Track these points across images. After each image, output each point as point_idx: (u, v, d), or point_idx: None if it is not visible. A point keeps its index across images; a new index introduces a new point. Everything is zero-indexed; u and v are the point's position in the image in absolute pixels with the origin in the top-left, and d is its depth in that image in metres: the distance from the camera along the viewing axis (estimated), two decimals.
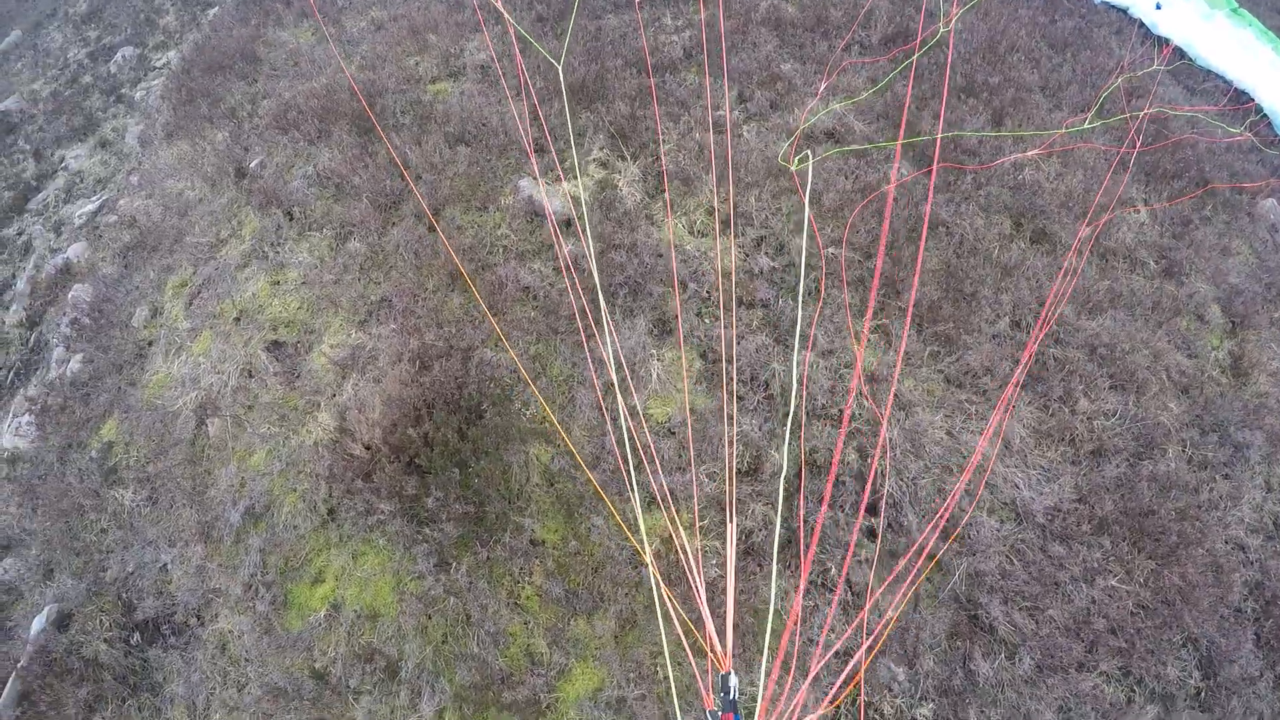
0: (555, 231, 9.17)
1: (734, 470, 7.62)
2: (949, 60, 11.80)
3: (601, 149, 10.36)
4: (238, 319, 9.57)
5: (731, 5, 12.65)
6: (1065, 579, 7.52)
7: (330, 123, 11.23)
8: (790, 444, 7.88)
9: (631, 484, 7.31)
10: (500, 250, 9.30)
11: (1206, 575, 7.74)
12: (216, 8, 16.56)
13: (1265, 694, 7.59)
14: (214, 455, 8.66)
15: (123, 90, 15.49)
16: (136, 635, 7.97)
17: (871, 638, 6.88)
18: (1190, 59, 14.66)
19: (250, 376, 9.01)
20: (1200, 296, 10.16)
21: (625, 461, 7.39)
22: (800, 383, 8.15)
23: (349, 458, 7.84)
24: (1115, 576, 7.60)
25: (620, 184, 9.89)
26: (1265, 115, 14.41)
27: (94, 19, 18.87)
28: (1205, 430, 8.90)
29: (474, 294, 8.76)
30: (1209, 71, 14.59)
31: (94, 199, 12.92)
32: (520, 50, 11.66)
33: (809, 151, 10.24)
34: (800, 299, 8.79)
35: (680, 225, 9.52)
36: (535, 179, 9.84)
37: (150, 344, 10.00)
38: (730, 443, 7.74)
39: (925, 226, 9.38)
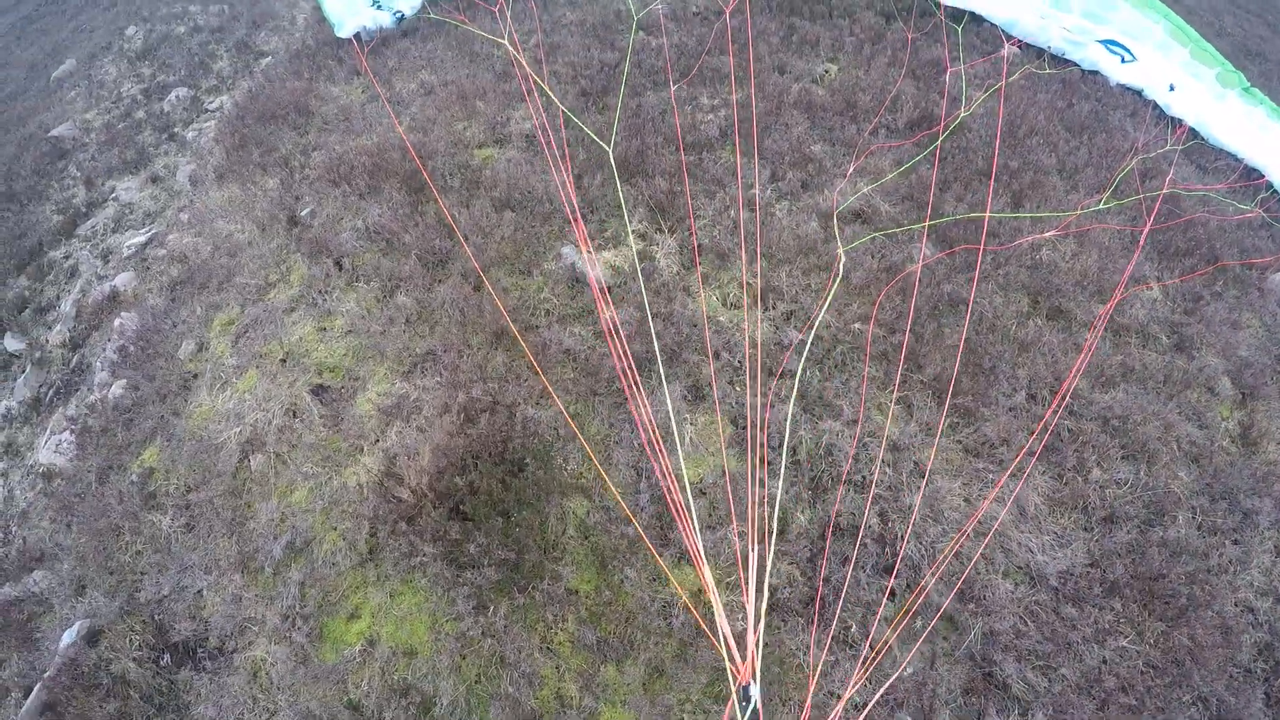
0: (598, 297, 9.48)
1: (762, 523, 7.89)
2: (999, 133, 12.20)
3: (640, 221, 10.71)
4: (284, 360, 9.81)
5: (765, 87, 13.08)
6: (1077, 639, 7.80)
7: (381, 179, 11.55)
8: (815, 508, 8.20)
9: (688, 513, 7.60)
10: (543, 313, 9.61)
11: (1215, 636, 8.00)
12: (270, 58, 16.97)
13: None
14: (255, 489, 8.86)
15: (175, 129, 15.78)
16: (167, 656, 8.12)
17: (884, 689, 7.12)
18: (1203, 139, 15.04)
19: (295, 416, 9.23)
20: (1211, 369, 10.51)
21: (680, 509, 7.67)
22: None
23: (394, 500, 8.11)
24: (1126, 637, 7.89)
25: (658, 255, 10.24)
26: (1276, 192, 14.80)
27: (148, 56, 19.22)
28: (1215, 498, 9.20)
29: (524, 350, 9.06)
30: (1221, 150, 15.00)
31: (143, 231, 13.15)
32: (565, 124, 12.03)
33: (841, 235, 10.63)
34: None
35: (714, 298, 9.84)
36: (578, 247, 10.17)
37: (195, 377, 10.20)
38: (756, 502, 8.02)
39: (967, 309, 9.72)
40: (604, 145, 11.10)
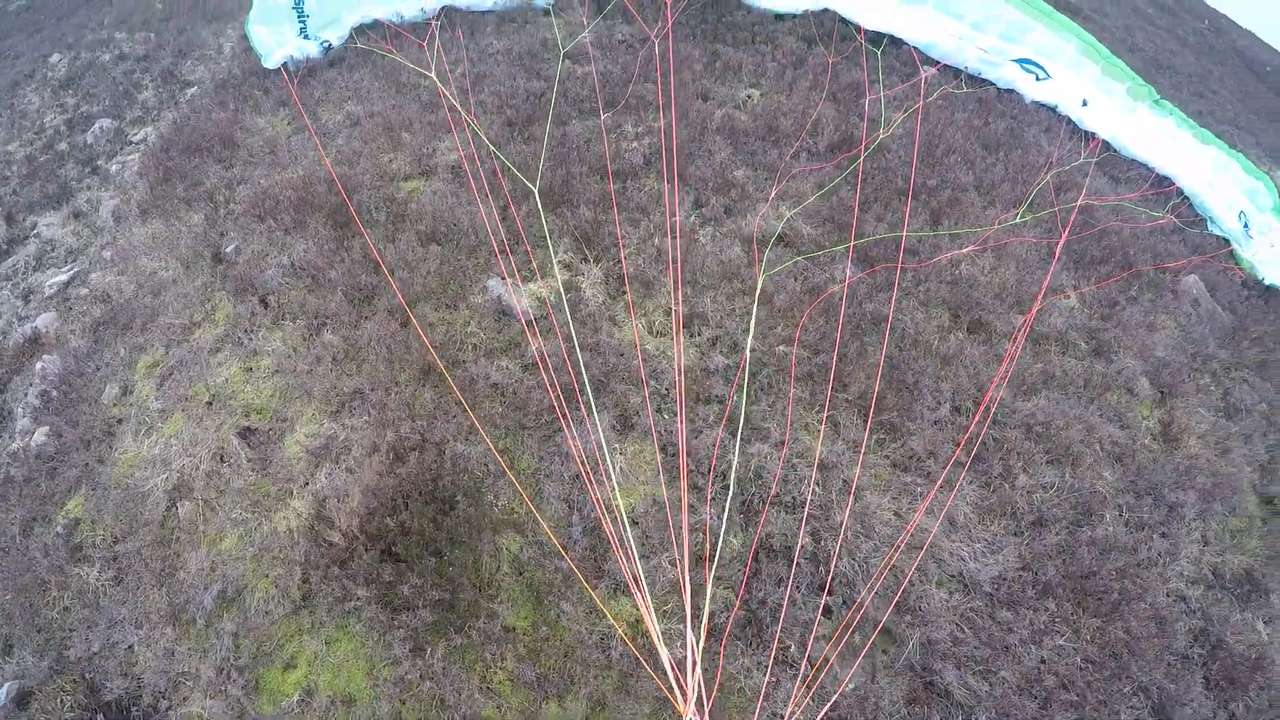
0: (526, 328, 9.42)
1: (694, 547, 7.85)
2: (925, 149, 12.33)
3: (566, 251, 10.62)
4: (210, 403, 9.55)
5: (689, 114, 13.09)
6: (1014, 642, 7.92)
7: (306, 214, 11.33)
8: (748, 530, 8.20)
9: (627, 542, 7.52)
10: (470, 347, 9.47)
11: (1149, 627, 8.23)
12: (195, 88, 16.57)
13: None
14: (184, 538, 8.60)
15: (98, 162, 15.34)
16: (100, 717, 7.80)
17: (827, 706, 7.12)
18: (1116, 151, 15.53)
19: (222, 461, 8.98)
20: (1129, 371, 10.83)
21: (614, 540, 7.59)
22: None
23: (326, 544, 7.90)
24: (1062, 636, 8.04)
25: (584, 285, 10.16)
26: (1186, 197, 15.31)
27: (72, 85, 18.74)
28: (1140, 494, 9.51)
29: (451, 388, 8.90)
30: (1134, 161, 15.52)
31: (65, 270, 12.73)
32: (491, 155, 11.92)
33: (764, 259, 10.66)
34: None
35: (640, 325, 9.79)
36: (504, 279, 10.06)
37: (120, 422, 9.90)
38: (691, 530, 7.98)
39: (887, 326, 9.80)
40: (529, 183, 10.99)
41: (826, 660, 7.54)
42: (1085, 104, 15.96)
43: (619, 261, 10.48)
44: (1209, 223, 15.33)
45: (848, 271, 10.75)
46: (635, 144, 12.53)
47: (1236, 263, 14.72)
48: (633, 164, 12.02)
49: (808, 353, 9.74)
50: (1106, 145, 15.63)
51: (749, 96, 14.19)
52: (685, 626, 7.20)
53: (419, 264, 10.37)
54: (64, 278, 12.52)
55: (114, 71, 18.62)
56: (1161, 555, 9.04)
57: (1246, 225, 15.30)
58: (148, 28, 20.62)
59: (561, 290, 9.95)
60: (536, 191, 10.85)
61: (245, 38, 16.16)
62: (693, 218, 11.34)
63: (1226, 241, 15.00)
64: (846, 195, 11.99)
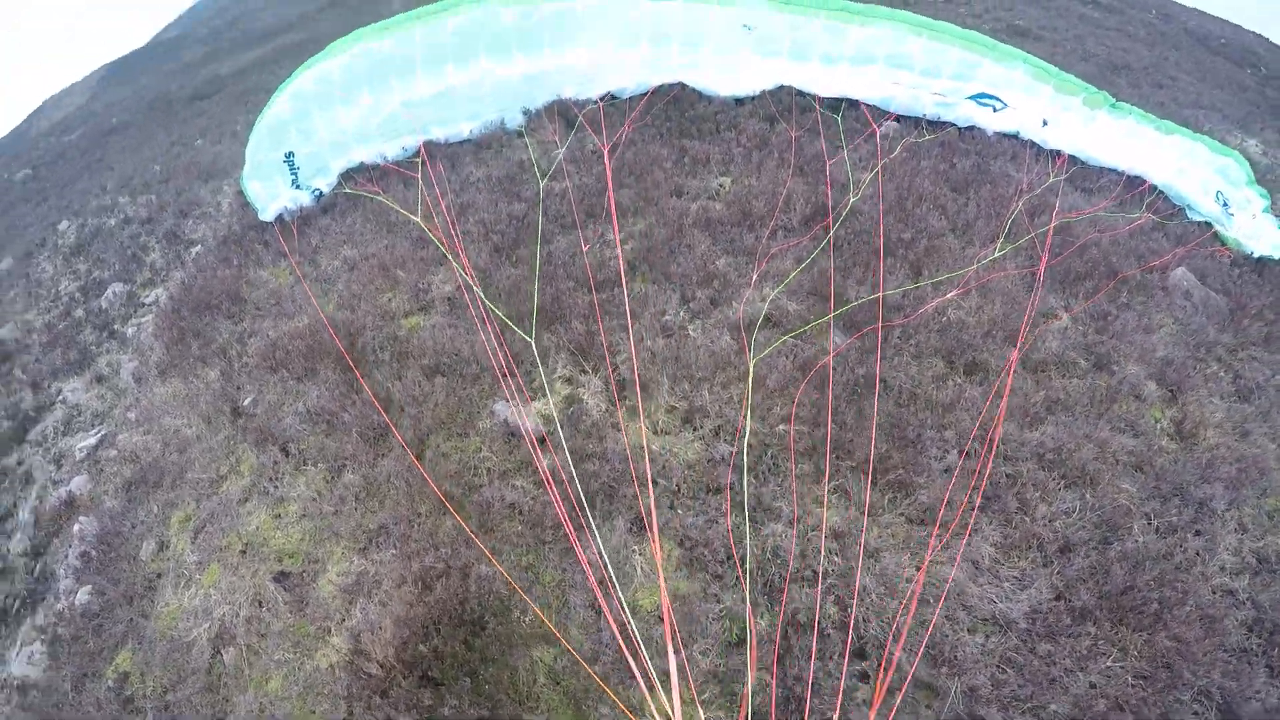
0: (534, 448, 9.69)
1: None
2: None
3: (565, 367, 10.96)
4: (244, 551, 9.85)
5: (666, 213, 13.53)
6: (1059, 673, 7.89)
7: (316, 361, 11.73)
8: (773, 610, 8.29)
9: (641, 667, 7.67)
10: (484, 471, 9.75)
11: (1196, 629, 8.16)
12: (199, 246, 17.14)
13: None
14: (231, 683, 8.81)
15: (115, 326, 15.79)
16: None
17: None
18: (1083, 162, 15.91)
19: (261, 606, 9.25)
20: (1133, 378, 10.91)
21: (637, 642, 7.76)
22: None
23: (366, 677, 8.14)
24: (1108, 657, 8.01)
25: (585, 396, 10.48)
26: (1161, 191, 15.59)
27: (82, 252, 19.35)
28: (1165, 498, 9.48)
29: (465, 517, 9.19)
30: (1103, 168, 15.88)
31: (93, 433, 13.09)
32: (482, 282, 12.32)
33: (753, 342, 10.94)
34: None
35: (645, 427, 10.05)
36: (509, 402, 10.38)
37: (159, 576, 10.18)
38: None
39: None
40: (526, 336, 11.29)
41: None
42: (1045, 124, 16.34)
43: (616, 369, 10.80)
44: (1188, 211, 15.61)
45: (831, 341, 10.99)
46: (617, 252, 12.88)
47: (1223, 243, 14.92)
48: (616, 271, 12.33)
49: (807, 427, 9.94)
50: (1073, 160, 16.00)
51: (720, 185, 14.65)
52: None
53: (426, 397, 10.70)
54: (93, 441, 12.86)
55: (121, 236, 19.24)
56: (1199, 554, 9.01)
57: (1226, 204, 15.49)
58: (148, 190, 21.35)
59: (551, 411, 10.26)
60: (533, 342, 11.13)
61: (241, 194, 16.75)
62: (681, 313, 11.67)
63: (1209, 225, 15.19)
64: (826, 266, 12.28)
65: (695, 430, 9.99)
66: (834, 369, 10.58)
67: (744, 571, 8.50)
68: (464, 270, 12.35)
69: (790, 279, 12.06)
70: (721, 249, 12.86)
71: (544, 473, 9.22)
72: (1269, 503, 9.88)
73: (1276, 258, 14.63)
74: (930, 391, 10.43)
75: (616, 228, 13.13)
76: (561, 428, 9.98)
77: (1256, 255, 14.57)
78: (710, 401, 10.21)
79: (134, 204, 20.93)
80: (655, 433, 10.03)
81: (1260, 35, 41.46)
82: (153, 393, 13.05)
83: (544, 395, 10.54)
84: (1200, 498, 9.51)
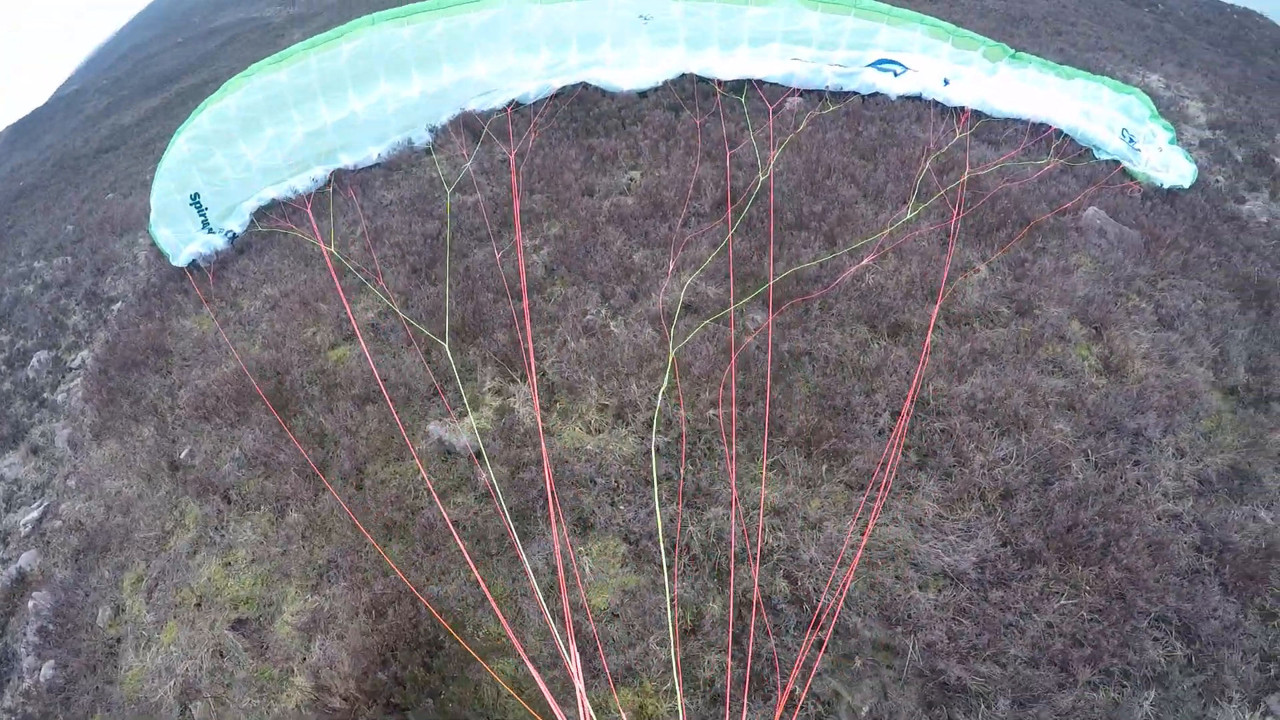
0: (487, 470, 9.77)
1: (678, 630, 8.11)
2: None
3: (493, 378, 10.98)
4: (199, 604, 9.79)
5: (578, 213, 13.57)
6: (1014, 618, 8.08)
7: (246, 405, 11.64)
8: (724, 594, 8.38)
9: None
10: (424, 493, 9.74)
11: (1144, 557, 8.38)
12: (120, 303, 16.87)
13: (1254, 630, 8.27)
14: None
15: (44, 394, 15.49)
16: None
17: None
18: (988, 115, 16.09)
19: (222, 656, 9.21)
20: (1056, 319, 11.14)
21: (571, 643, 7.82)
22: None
23: (330, 712, 8.13)
24: (1061, 596, 8.20)
25: (516, 406, 10.53)
26: (1067, 135, 15.84)
27: (4, 322, 18.91)
28: (1100, 433, 9.72)
29: (412, 539, 9.27)
30: (1008, 119, 16.07)
31: (35, 506, 12.86)
32: (403, 304, 12.35)
33: (675, 331, 11.06)
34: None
35: (578, 428, 10.14)
36: (441, 421, 10.44)
37: (119, 640, 10.09)
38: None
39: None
40: (441, 341, 11.36)
41: (836, 693, 7.72)
42: (946, 82, 16.54)
43: (543, 375, 10.88)
44: (1095, 151, 15.87)
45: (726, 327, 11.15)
46: (534, 257, 12.97)
47: (1132, 178, 15.22)
48: (536, 277, 12.43)
49: (738, 408, 10.03)
50: (977, 114, 16.19)
51: (630, 180, 14.73)
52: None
53: (359, 426, 10.69)
54: (36, 514, 12.67)
55: (40, 301, 18.84)
56: (1140, 483, 9.25)
57: (1131, 140, 15.75)
58: (63, 251, 20.90)
59: (485, 423, 10.32)
60: (447, 346, 11.18)
61: (153, 243, 16.51)
62: (601, 311, 11.75)
63: (1117, 162, 15.50)
64: (740, 246, 12.41)
65: (627, 425, 10.07)
66: (758, 349, 10.72)
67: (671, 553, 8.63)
68: (382, 296, 12.35)
69: (708, 263, 12.18)
70: (637, 243, 12.94)
71: (487, 483, 9.27)
72: (1204, 425, 10.20)
73: (1185, 186, 15.00)
74: (856, 358, 10.57)
75: (520, 236, 13.16)
76: (495, 440, 10.07)
77: (1166, 186, 14.92)
78: (639, 395, 10.30)
79: (50, 267, 20.50)
80: (589, 432, 10.10)
81: None
82: (90, 457, 12.89)
83: (476, 408, 10.58)
84: (1135, 428, 9.76)
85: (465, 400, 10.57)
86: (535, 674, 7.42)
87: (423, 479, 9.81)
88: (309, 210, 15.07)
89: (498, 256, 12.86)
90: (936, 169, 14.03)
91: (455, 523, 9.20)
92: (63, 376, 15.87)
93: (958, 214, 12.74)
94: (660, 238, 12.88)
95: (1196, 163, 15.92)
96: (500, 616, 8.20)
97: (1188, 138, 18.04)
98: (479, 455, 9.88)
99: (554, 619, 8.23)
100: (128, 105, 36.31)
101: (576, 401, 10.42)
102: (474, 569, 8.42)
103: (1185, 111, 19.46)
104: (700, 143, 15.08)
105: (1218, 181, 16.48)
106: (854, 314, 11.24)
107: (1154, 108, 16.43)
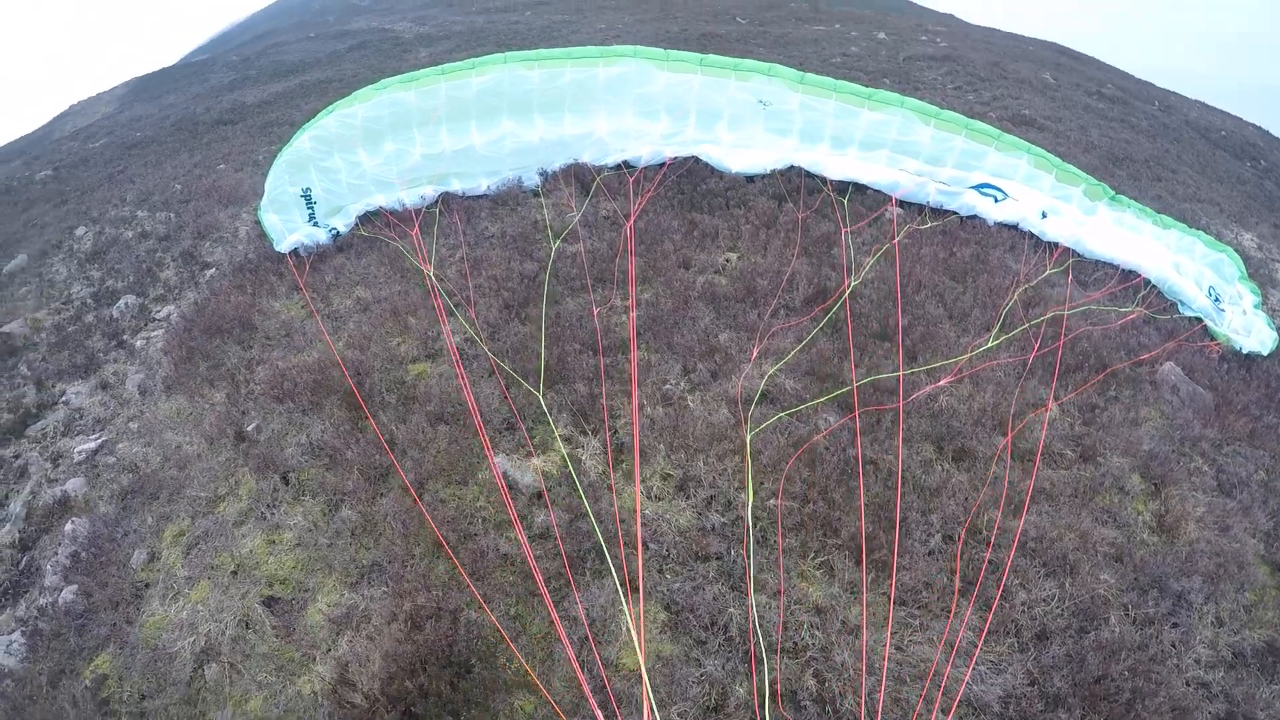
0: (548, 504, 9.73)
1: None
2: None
3: (565, 426, 10.99)
4: (235, 572, 9.74)
5: (673, 284, 13.66)
6: None
7: (322, 396, 11.71)
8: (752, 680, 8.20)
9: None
10: (480, 521, 9.72)
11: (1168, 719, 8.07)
12: (214, 269, 17.13)
13: None
14: (210, 698, 8.66)
15: (124, 336, 15.68)
16: None
17: None
18: (1080, 255, 15.93)
19: (248, 627, 9.14)
20: (1118, 470, 10.91)
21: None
22: None
23: (349, 706, 8.04)
24: None
25: (583, 458, 10.51)
26: (1154, 286, 15.59)
27: (97, 259, 19.27)
28: (1143, 590, 9.44)
29: (459, 563, 9.14)
30: (1099, 261, 15.90)
31: (93, 438, 12.94)
32: (491, 336, 12.43)
33: (750, 418, 10.98)
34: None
35: (639, 491, 10.06)
36: (510, 456, 10.45)
37: (148, 586, 10.04)
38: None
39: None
40: (534, 390, 11.39)
41: None
42: (1044, 215, 16.43)
43: (615, 432, 10.87)
44: (1180, 306, 15.66)
45: (829, 421, 11.05)
46: (624, 317, 13.02)
47: (1213, 338, 14.97)
48: (622, 337, 12.47)
49: (796, 503, 9.95)
50: (1070, 252, 16.05)
51: (727, 260, 14.81)
52: None
53: (429, 444, 10.69)
54: (92, 445, 12.73)
55: (137, 249, 19.19)
56: (1175, 646, 8.98)
57: (1217, 299, 15.59)
58: (168, 208, 21.34)
59: (552, 466, 10.34)
60: (541, 397, 11.22)
61: (258, 223, 16.81)
62: (681, 384, 11.75)
63: (1200, 319, 15.26)
64: (825, 346, 12.41)
65: (689, 499, 10.01)
66: (826, 449, 10.64)
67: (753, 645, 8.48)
68: (474, 335, 12.49)
69: (790, 357, 12.17)
70: (724, 323, 12.97)
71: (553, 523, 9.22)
72: (1247, 597, 9.94)
73: (1265, 353, 14.80)
74: (919, 475, 10.46)
75: (634, 298, 13.24)
76: (557, 486, 10.04)
77: (1245, 350, 14.70)
78: (705, 472, 10.24)
79: (152, 219, 20.91)
80: (650, 498, 10.05)
81: (1260, 127, 42.59)
82: (157, 407, 12.98)
83: (544, 452, 10.58)
84: (1178, 590, 9.52)
85: (534, 441, 10.60)
86: (560, 715, 7.33)
87: (481, 507, 9.79)
88: (416, 229, 15.24)
89: (594, 311, 12.94)
90: (1023, 300, 13.97)
91: (505, 557, 9.14)
92: (145, 324, 16.08)
93: (1035, 350, 12.64)
94: (748, 323, 12.89)
95: (1279, 330, 15.72)
96: (517, 653, 8.20)
97: (1274, 302, 17.91)
98: (540, 495, 9.86)
99: (587, 671, 8.14)
100: (252, 85, 37.31)
101: (643, 466, 10.38)
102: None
103: (1275, 275, 19.36)
104: (800, 237, 15.14)
105: None
106: (923, 432, 11.14)
107: (1244, 269, 16.30)
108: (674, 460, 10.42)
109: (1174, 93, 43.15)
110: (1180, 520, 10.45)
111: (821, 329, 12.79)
